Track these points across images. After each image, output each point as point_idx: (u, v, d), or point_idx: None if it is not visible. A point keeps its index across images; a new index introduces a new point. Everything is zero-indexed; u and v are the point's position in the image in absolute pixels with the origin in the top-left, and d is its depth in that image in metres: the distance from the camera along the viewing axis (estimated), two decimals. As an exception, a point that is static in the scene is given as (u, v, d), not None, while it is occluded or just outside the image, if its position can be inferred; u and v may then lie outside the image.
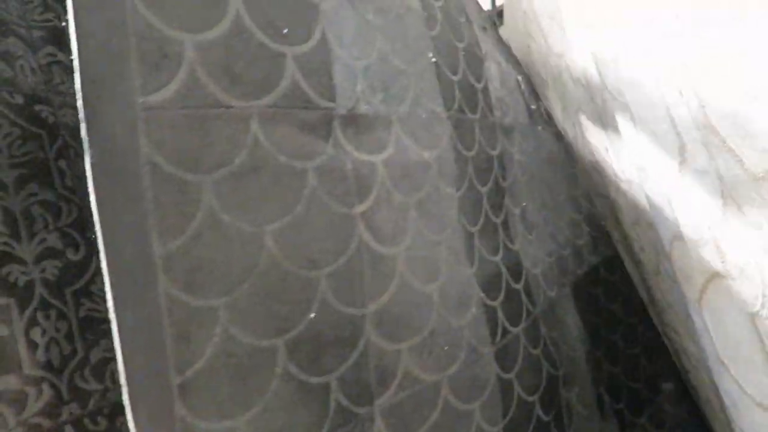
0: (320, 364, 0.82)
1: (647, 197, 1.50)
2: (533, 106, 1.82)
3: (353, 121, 0.92)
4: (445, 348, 1.04)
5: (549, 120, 1.93)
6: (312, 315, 0.81)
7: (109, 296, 0.58)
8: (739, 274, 1.12)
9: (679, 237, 1.39)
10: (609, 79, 1.42)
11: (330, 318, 0.84)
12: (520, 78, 1.79)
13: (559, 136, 1.96)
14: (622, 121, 1.46)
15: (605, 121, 1.61)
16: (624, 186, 1.68)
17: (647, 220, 1.58)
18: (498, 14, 3.12)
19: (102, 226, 0.57)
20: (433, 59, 1.11)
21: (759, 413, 1.27)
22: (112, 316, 0.58)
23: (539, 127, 1.78)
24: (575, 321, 1.54)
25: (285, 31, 0.80)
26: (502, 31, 3.23)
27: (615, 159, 1.63)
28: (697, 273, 1.33)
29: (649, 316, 1.96)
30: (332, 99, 0.88)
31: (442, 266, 1.06)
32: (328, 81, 0.88)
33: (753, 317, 1.14)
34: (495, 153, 1.36)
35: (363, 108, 0.94)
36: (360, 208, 0.90)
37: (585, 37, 1.52)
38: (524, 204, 1.49)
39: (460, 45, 1.30)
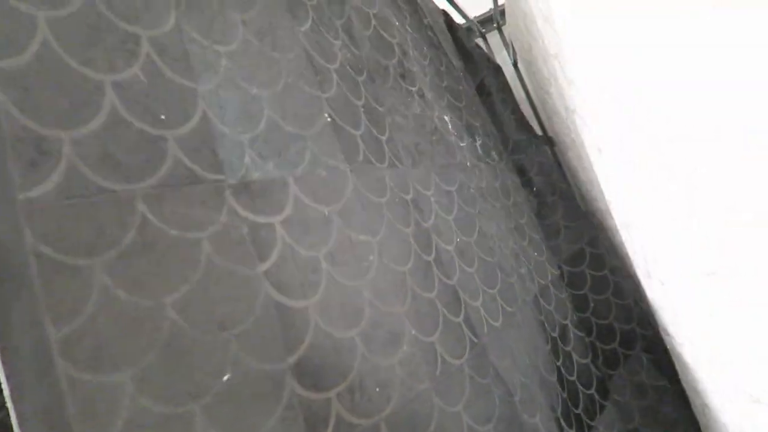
0: (243, 422, 0.84)
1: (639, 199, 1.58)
2: (462, 144, 1.91)
3: (246, 188, 0.98)
4: (377, 389, 1.07)
5: (486, 153, 2.03)
6: (227, 376, 0.84)
7: (5, 386, 0.60)
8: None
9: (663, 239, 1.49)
10: (600, 79, 1.50)
11: (248, 376, 0.86)
12: (447, 118, 1.89)
13: (498, 167, 2.07)
14: (613, 122, 1.53)
15: (599, 123, 1.68)
16: (616, 188, 1.76)
17: (635, 222, 1.67)
18: (501, 13, 3.24)
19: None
20: (329, 119, 1.20)
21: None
22: (10, 405, 0.60)
23: (468, 163, 1.87)
24: (524, 347, 1.59)
25: (163, 117, 0.87)
26: (506, 30, 3.35)
27: (609, 160, 1.70)
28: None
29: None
30: (220, 171, 0.94)
31: (364, 310, 1.10)
32: (213, 156, 0.94)
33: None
34: (408, 197, 1.43)
35: (255, 175, 1.00)
36: (263, 267, 0.94)
37: (576, 38, 1.60)
38: (458, 240, 1.56)
39: (359, 102, 1.39)
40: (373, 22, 1.65)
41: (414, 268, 1.28)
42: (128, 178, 0.80)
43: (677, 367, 1.89)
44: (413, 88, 1.70)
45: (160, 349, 0.77)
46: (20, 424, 0.61)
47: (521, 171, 2.45)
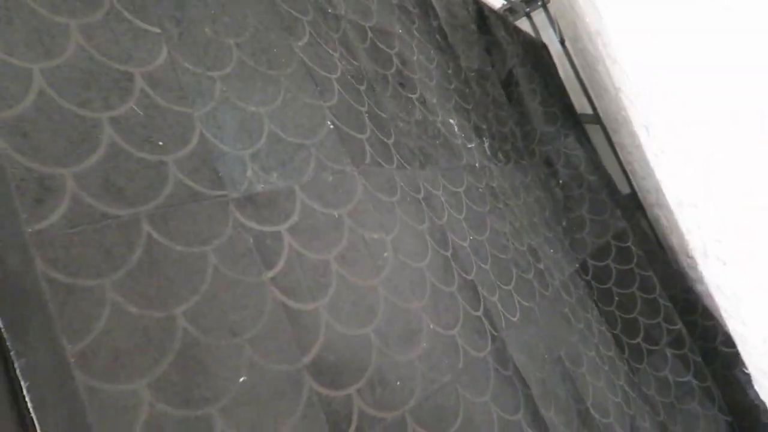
0: (264, 422, 0.87)
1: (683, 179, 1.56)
2: (470, 145, 1.93)
3: (250, 200, 1.03)
4: (398, 383, 1.10)
5: (494, 155, 2.04)
6: (242, 378, 0.89)
7: (29, 400, 0.67)
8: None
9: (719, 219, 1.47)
10: (643, 59, 1.50)
11: (264, 378, 0.90)
12: (452, 121, 1.91)
13: (504, 169, 2.06)
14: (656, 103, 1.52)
15: (643, 102, 1.66)
16: (665, 167, 1.75)
17: (690, 200, 1.65)
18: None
19: (12, 340, 0.68)
20: (332, 126, 1.25)
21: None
22: (34, 417, 0.67)
23: (477, 164, 1.89)
24: (543, 341, 1.59)
25: (161, 143, 0.93)
26: (551, 7, 3.36)
27: (654, 140, 1.68)
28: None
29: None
30: (222, 188, 1.00)
31: (379, 307, 1.13)
32: (214, 174, 1.00)
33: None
34: (420, 196, 1.46)
35: (259, 187, 1.06)
36: (269, 275, 0.98)
37: (614, 17, 1.59)
38: (471, 237, 1.58)
39: (363, 108, 1.43)
40: (369, 35, 1.69)
41: (432, 263, 1.30)
42: (132, 202, 0.86)
43: (740, 347, 1.84)
44: (413, 95, 1.74)
45: (175, 356, 0.82)
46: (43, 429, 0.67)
47: (548, 163, 2.44)
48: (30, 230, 0.74)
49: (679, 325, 2.15)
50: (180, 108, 1.00)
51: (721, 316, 2.13)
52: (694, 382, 2.05)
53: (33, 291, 0.72)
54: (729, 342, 2.29)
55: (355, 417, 0.99)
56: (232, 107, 1.09)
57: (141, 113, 0.93)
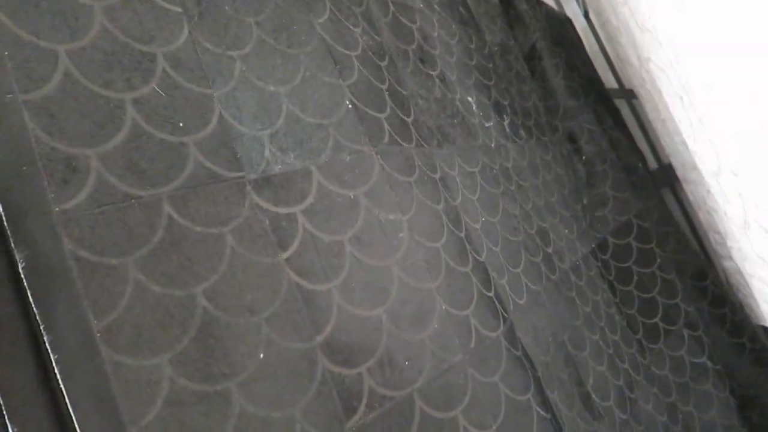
0: (280, 399, 0.91)
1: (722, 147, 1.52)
2: (488, 124, 1.92)
3: (267, 182, 1.05)
4: (407, 363, 1.12)
5: (514, 132, 2.02)
6: (261, 355, 0.92)
7: (58, 372, 0.71)
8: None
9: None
10: (678, 21, 1.44)
11: (281, 356, 0.93)
12: (471, 99, 1.89)
13: (527, 146, 2.04)
14: (693, 69, 1.48)
15: (677, 69, 1.61)
16: (703, 136, 1.71)
17: (730, 168, 1.63)
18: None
19: (41, 316, 0.71)
20: (350, 105, 1.25)
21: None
22: (62, 387, 0.70)
23: (493, 144, 1.87)
24: (548, 325, 1.60)
25: (181, 124, 0.95)
26: None
27: (690, 108, 1.64)
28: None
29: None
30: (240, 169, 1.02)
31: (392, 287, 1.15)
32: (233, 155, 1.02)
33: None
34: (437, 176, 1.46)
35: (276, 168, 1.07)
36: (284, 256, 1.01)
37: None
38: (483, 219, 1.59)
39: (383, 86, 1.42)
40: (392, 8, 1.67)
41: (448, 243, 1.32)
42: (153, 183, 0.88)
43: None
44: (434, 72, 1.72)
45: (195, 333, 0.85)
46: (72, 405, 0.71)
47: (572, 139, 2.41)
48: (57, 209, 0.76)
49: (698, 305, 2.16)
50: (200, 89, 1.01)
51: (750, 294, 2.11)
52: (709, 363, 2.06)
53: (61, 269, 0.75)
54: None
55: (365, 395, 1.02)
56: (251, 87, 1.10)
57: (163, 94, 0.95)
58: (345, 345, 1.04)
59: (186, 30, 1.04)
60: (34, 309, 0.71)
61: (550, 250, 1.79)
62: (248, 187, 1.02)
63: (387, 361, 1.09)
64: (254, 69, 1.12)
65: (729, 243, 2.06)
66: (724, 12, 1.11)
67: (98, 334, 0.75)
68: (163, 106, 0.95)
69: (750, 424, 2.10)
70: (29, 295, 0.71)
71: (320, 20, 1.29)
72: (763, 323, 2.21)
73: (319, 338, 1.00)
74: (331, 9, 1.33)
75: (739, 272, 2.16)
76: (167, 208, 0.88)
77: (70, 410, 0.70)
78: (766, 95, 1.14)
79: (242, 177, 1.01)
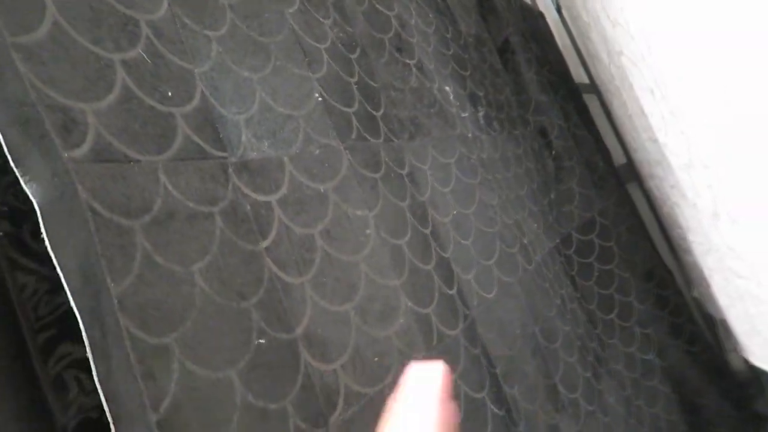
0: (274, 390, 0.87)
1: (694, 139, 1.52)
2: (465, 114, 1.91)
3: (245, 167, 1.00)
4: (375, 359, 1.11)
5: (488, 124, 2.04)
6: (257, 342, 0.86)
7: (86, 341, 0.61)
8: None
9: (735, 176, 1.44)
10: (648, 16, 1.43)
11: (271, 344, 0.89)
12: (448, 88, 1.89)
13: (499, 138, 2.06)
14: (666, 61, 1.46)
15: (650, 62, 1.59)
16: (674, 128, 1.69)
17: (701, 160, 1.61)
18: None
19: (63, 272, 0.61)
20: (320, 98, 1.23)
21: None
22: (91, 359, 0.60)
23: (470, 134, 1.89)
24: (518, 317, 1.62)
25: (170, 94, 0.89)
26: None
27: (662, 101, 1.62)
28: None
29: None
30: (223, 149, 0.97)
31: (360, 284, 1.14)
32: (216, 134, 0.97)
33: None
34: (404, 172, 1.45)
35: (252, 155, 1.03)
36: (264, 244, 0.97)
37: None
38: (455, 212, 1.59)
39: (352, 80, 1.41)
40: None
41: (412, 241, 1.32)
42: (148, 150, 0.82)
43: (753, 309, 1.83)
44: (411, 61, 1.71)
45: (196, 314, 0.78)
46: (99, 377, 0.61)
47: (543, 133, 2.45)
48: (66, 155, 0.67)
49: (647, 305, 2.29)
50: (183, 63, 0.96)
51: (707, 290, 2.23)
52: (657, 361, 2.21)
53: (81, 221, 0.65)
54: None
55: (342, 391, 1.01)
56: (227, 70, 1.06)
57: (149, 61, 0.89)
58: (320, 340, 1.01)
59: (165, 2, 0.98)
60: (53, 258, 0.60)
61: (526, 241, 1.85)
62: (230, 170, 0.97)
63: (358, 358, 1.07)
64: (229, 52, 1.08)
65: (690, 237, 2.14)
66: (697, 3, 1.18)
67: (116, 301, 0.66)
68: (150, 74, 0.88)
69: (692, 421, 2.26)
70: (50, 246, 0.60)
71: (290, 10, 1.26)
72: (721, 316, 2.32)
73: (299, 330, 0.97)
74: (301, 0, 1.32)
75: (698, 267, 2.24)
76: (163, 178, 0.82)
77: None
78: (738, 86, 1.20)
79: (225, 158, 0.97)
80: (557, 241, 2.14)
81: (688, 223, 2.09)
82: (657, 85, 1.61)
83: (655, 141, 1.95)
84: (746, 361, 2.32)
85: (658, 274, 2.49)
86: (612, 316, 2.18)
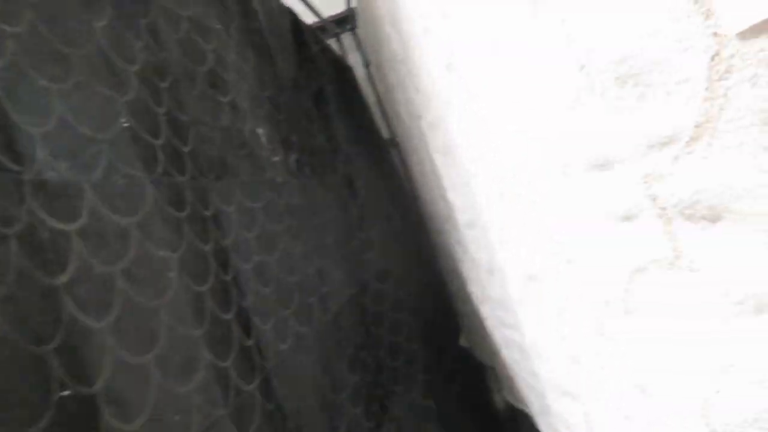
0: None
1: (481, 198, 1.59)
2: (276, 158, 1.85)
3: (42, 187, 0.85)
4: (176, 418, 1.00)
5: (299, 169, 2.00)
6: (59, 395, 0.71)
7: None
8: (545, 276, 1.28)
9: (505, 240, 1.53)
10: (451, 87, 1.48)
11: (71, 403, 0.75)
12: (260, 131, 1.80)
13: (309, 184, 2.03)
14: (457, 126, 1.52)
15: (444, 127, 1.66)
16: (462, 189, 1.77)
17: (481, 223, 1.70)
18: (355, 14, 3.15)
19: None
20: (126, 124, 1.09)
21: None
22: None
23: (279, 179, 1.83)
24: (310, 369, 1.60)
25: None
26: (359, 31, 3.24)
27: (454, 163, 1.70)
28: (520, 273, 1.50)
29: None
30: (20, 163, 0.81)
31: (160, 333, 1.02)
32: (9, 142, 0.81)
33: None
34: (208, 214, 1.36)
35: (49, 174, 0.87)
36: (62, 279, 0.82)
37: (423, 46, 1.54)
38: (258, 258, 1.51)
39: (160, 110, 1.29)
40: (185, 25, 1.54)
41: (213, 288, 1.22)
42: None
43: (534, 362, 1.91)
44: (224, 99, 1.63)
45: None
46: None
47: (350, 182, 2.49)
48: None
49: (430, 351, 2.39)
50: (-31, 55, 0.78)
51: (484, 335, 2.35)
52: (433, 405, 2.29)
53: None
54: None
55: None
56: (23, 73, 0.89)
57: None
58: (121, 396, 0.89)
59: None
60: None
61: (325, 291, 1.80)
62: (26, 188, 0.81)
63: (160, 416, 0.96)
64: (26, 54, 0.91)
65: (468, 288, 2.33)
66: (492, 72, 1.22)
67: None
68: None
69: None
70: None
71: (100, 24, 1.11)
72: (491, 363, 2.50)
73: (99, 385, 0.84)
74: (111, 14, 1.17)
75: (475, 314, 2.39)
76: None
77: None
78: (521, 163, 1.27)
79: (20, 172, 0.81)
80: (356, 289, 2.19)
81: (469, 275, 2.28)
82: (449, 150, 1.77)
83: (445, 199, 2.11)
84: (508, 402, 2.61)
85: (439, 323, 2.75)
86: (398, 363, 2.28)
